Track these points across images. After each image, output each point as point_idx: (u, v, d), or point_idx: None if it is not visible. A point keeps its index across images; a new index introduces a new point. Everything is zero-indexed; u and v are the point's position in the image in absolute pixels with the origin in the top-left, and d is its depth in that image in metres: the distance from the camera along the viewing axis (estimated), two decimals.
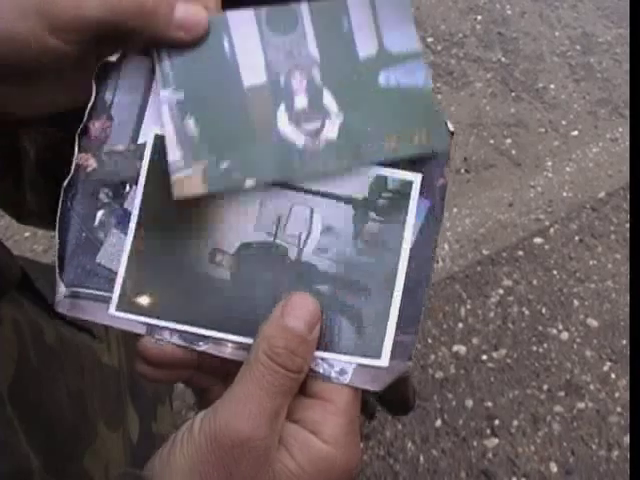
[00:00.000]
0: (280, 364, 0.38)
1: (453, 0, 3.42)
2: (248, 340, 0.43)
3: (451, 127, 0.44)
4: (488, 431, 1.89)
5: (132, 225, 0.44)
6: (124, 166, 0.44)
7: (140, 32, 0.40)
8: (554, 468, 1.82)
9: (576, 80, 3.07)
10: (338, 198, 0.43)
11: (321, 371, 0.43)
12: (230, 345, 0.43)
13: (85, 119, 0.44)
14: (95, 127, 0.44)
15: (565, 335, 2.10)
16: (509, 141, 2.74)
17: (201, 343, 0.44)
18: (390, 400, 1.71)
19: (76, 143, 0.44)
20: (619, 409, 1.94)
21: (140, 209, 0.44)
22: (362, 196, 0.43)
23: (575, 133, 2.82)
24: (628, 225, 2.41)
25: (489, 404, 1.95)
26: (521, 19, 3.38)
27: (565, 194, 2.55)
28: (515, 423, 1.91)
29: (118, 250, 0.44)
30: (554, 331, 2.11)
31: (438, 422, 1.91)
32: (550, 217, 2.46)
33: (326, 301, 0.43)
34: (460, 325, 2.12)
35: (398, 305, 0.43)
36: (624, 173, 2.62)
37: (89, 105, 0.44)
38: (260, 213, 0.44)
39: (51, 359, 0.53)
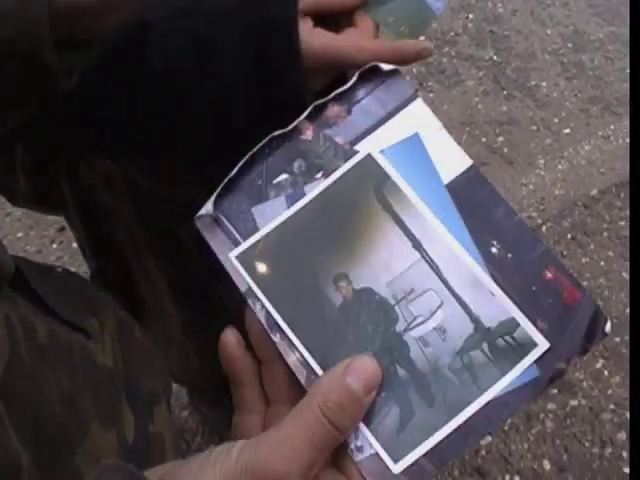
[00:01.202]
0: (329, 418, 0.39)
1: None
2: (312, 361, 0.43)
3: None
4: None
5: (298, 205, 0.46)
6: (329, 157, 0.46)
7: None
8: (547, 465, 1.83)
9: (568, 78, 3.07)
10: (469, 312, 0.43)
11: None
12: (297, 354, 0.44)
13: (330, 97, 0.47)
14: (333, 109, 0.47)
15: None
16: (501, 139, 2.75)
17: (277, 335, 0.44)
18: None
19: (308, 109, 0.47)
20: (612, 406, 1.94)
21: (315, 198, 0.46)
22: (488, 325, 0.43)
23: (567, 131, 2.82)
24: (621, 223, 2.41)
25: None
26: (513, 17, 3.38)
27: (557, 192, 2.55)
28: (508, 420, 1.91)
29: (273, 215, 0.46)
30: None
31: None
32: (542, 215, 2.46)
33: (395, 383, 0.43)
34: None
35: (444, 435, 0.42)
36: (616, 171, 2.63)
37: (342, 89, 0.47)
38: (401, 275, 0.44)
39: (43, 357, 0.53)
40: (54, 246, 2.40)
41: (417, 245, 0.44)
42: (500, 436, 1.88)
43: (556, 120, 2.86)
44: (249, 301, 0.45)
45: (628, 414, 1.91)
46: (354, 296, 0.44)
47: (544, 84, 3.03)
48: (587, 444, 1.87)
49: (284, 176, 0.46)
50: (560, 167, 2.66)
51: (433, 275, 0.44)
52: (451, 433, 0.42)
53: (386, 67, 0.46)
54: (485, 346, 0.43)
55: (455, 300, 0.43)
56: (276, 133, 0.46)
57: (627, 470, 1.81)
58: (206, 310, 1.01)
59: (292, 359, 0.44)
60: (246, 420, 0.45)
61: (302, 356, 0.44)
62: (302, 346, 0.44)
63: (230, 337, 0.46)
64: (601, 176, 2.62)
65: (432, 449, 0.42)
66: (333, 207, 0.45)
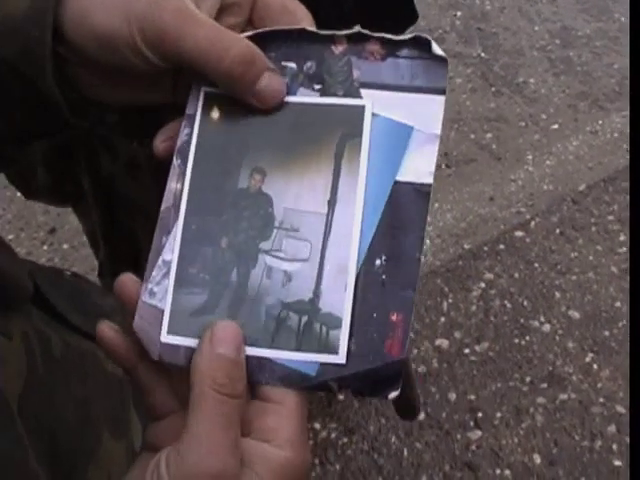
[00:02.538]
0: (226, 393, 0.39)
1: None
2: (184, 205, 0.45)
3: None
4: (471, 423, 1.90)
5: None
6: (337, 80, 0.46)
7: (221, 85, 0.44)
8: (537, 459, 1.84)
9: (556, 74, 3.09)
10: (317, 285, 0.44)
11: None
12: (178, 186, 0.46)
13: (379, 35, 0.46)
14: (373, 46, 0.46)
15: (547, 327, 2.12)
16: (489, 135, 2.76)
17: (179, 160, 0.46)
18: (397, 403, 1.71)
19: (354, 30, 0.46)
20: (601, 400, 1.95)
21: (295, 103, 0.46)
22: (320, 307, 0.44)
23: (555, 127, 2.83)
24: (609, 217, 2.43)
25: (472, 397, 1.96)
26: (500, 14, 3.40)
27: (546, 187, 2.57)
28: (498, 415, 1.92)
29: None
30: (536, 323, 2.12)
31: (422, 415, 1.91)
32: (531, 210, 2.47)
33: (221, 278, 0.44)
34: (442, 319, 2.13)
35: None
36: (604, 165, 2.64)
37: (394, 36, 0.46)
38: (300, 212, 0.45)
39: (58, 370, 0.54)
40: (45, 248, 2.40)
41: (332, 203, 0.44)
42: (490, 430, 1.89)
43: (544, 116, 2.88)
44: (182, 128, 0.46)
45: (618, 407, 1.93)
46: (256, 192, 0.45)
47: (532, 80, 3.05)
48: (577, 437, 1.88)
49: (292, 64, 0.46)
50: (548, 162, 2.67)
51: (320, 235, 0.44)
52: None
53: (439, 51, 0.45)
54: (304, 319, 0.43)
55: (317, 267, 0.44)
56: (311, 29, 0.46)
57: (617, 463, 1.82)
58: None
59: (172, 186, 0.45)
60: (162, 426, 0.45)
61: (180, 192, 0.45)
62: (187, 190, 0.45)
63: (106, 331, 0.45)
64: (589, 171, 2.63)
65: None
66: (302, 121, 0.45)
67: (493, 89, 2.98)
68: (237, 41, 0.43)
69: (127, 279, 0.45)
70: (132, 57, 0.42)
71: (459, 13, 3.39)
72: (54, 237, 2.43)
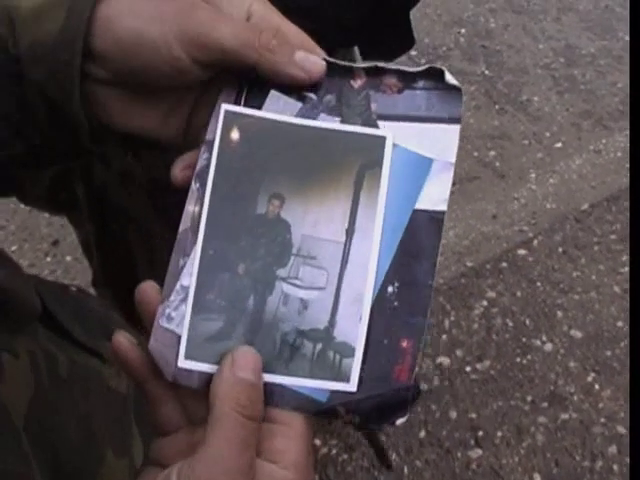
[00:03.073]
0: (247, 416, 0.40)
1: (437, 14, 3.45)
2: (202, 232, 0.45)
3: None
4: (472, 442, 1.90)
5: (303, 122, 0.46)
6: (355, 112, 0.47)
7: (262, 67, 0.44)
8: (538, 479, 1.83)
9: (559, 92, 3.09)
10: (333, 314, 0.45)
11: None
12: (196, 209, 0.46)
13: (396, 67, 0.47)
14: (391, 80, 0.47)
15: (549, 346, 2.11)
16: (493, 153, 2.76)
17: (197, 184, 0.46)
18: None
19: (372, 63, 0.47)
20: (603, 420, 1.94)
21: (317, 128, 0.46)
22: (335, 335, 0.44)
23: (559, 145, 2.84)
24: (612, 236, 2.42)
25: (473, 415, 1.95)
26: (505, 32, 3.41)
27: (548, 206, 2.57)
28: (499, 434, 1.91)
29: (281, 110, 0.47)
30: (538, 342, 2.12)
31: (422, 433, 1.91)
32: (534, 229, 2.47)
33: (238, 304, 0.44)
34: (444, 337, 2.12)
35: None
36: (607, 185, 2.64)
37: (410, 68, 0.47)
38: (318, 240, 0.45)
39: (64, 390, 0.54)
40: (48, 259, 2.40)
41: (350, 232, 0.45)
42: (491, 449, 1.88)
43: (548, 134, 2.88)
44: (201, 153, 0.46)
45: (619, 428, 1.92)
46: (274, 218, 0.45)
47: (536, 98, 3.05)
48: (578, 458, 1.87)
49: (312, 95, 0.46)
50: (552, 181, 2.67)
51: (337, 264, 0.45)
52: None
53: (453, 81, 0.46)
54: (319, 347, 0.44)
55: (333, 296, 0.44)
56: (331, 60, 0.46)
57: None
58: None
59: (190, 209, 0.45)
60: (168, 442, 0.45)
61: (198, 215, 0.45)
62: (205, 215, 0.45)
63: (121, 339, 0.45)
64: (592, 190, 2.63)
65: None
66: (322, 146, 0.46)
67: (497, 107, 2.99)
68: (267, 27, 0.44)
69: (148, 287, 0.45)
70: (160, 61, 0.42)
71: (463, 30, 3.40)
72: (57, 249, 2.43)
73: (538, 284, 2.28)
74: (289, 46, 0.44)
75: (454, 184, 2.58)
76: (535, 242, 2.41)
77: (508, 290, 2.25)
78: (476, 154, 2.73)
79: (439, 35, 3.36)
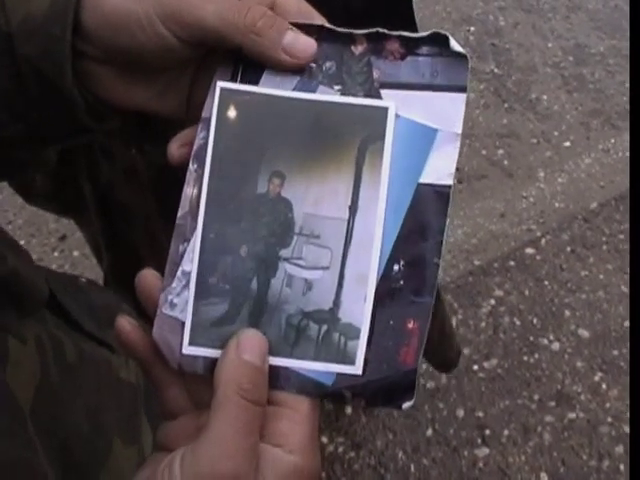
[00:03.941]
0: (250, 399, 0.39)
1: (447, 11, 3.43)
2: (202, 214, 0.44)
3: None
4: (479, 441, 1.90)
5: (301, 96, 0.45)
6: (357, 81, 0.45)
7: (247, 50, 0.43)
8: (545, 478, 1.83)
9: (569, 91, 3.08)
10: (337, 294, 0.44)
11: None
12: (195, 191, 0.45)
13: (398, 33, 0.45)
14: (393, 45, 0.46)
15: (556, 345, 2.11)
16: (501, 152, 2.76)
17: (195, 165, 0.45)
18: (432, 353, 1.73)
19: (373, 29, 0.45)
20: (610, 419, 1.94)
21: (316, 102, 0.45)
22: (340, 317, 0.44)
23: (567, 144, 2.83)
24: (620, 236, 2.42)
25: (480, 414, 1.95)
26: (514, 30, 3.40)
27: (557, 205, 2.56)
28: (506, 433, 1.91)
29: (277, 85, 0.45)
30: (545, 341, 2.12)
31: (429, 431, 1.91)
32: (542, 228, 2.47)
33: (242, 287, 0.44)
34: None
35: None
36: (616, 184, 2.63)
37: (413, 34, 0.45)
38: (320, 218, 0.44)
39: (71, 376, 0.54)
40: (55, 254, 2.41)
41: (353, 210, 0.44)
42: (498, 448, 1.88)
43: (556, 133, 2.87)
44: (198, 132, 0.45)
45: (626, 427, 1.92)
46: (275, 197, 0.44)
47: (545, 97, 3.04)
48: (585, 457, 1.87)
49: (312, 64, 0.45)
50: (560, 180, 2.67)
51: (341, 242, 0.43)
52: None
53: (458, 48, 0.45)
54: (324, 328, 0.43)
55: (338, 275, 0.43)
56: (330, 26, 0.45)
57: None
58: None
59: (188, 192, 0.45)
60: (174, 426, 0.45)
61: (197, 198, 0.44)
62: (204, 196, 0.44)
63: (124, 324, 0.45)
64: (601, 189, 2.62)
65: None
66: (322, 121, 0.44)
67: (506, 105, 2.98)
68: (254, 3, 0.43)
69: (148, 274, 0.45)
70: (146, 38, 0.42)
71: (472, 28, 3.39)
72: (65, 244, 2.44)
73: (546, 283, 2.27)
74: (277, 28, 0.43)
75: (461, 182, 2.58)
76: (543, 241, 2.40)
77: (516, 289, 2.25)
78: (484, 152, 2.73)
79: (448, 32, 3.34)
